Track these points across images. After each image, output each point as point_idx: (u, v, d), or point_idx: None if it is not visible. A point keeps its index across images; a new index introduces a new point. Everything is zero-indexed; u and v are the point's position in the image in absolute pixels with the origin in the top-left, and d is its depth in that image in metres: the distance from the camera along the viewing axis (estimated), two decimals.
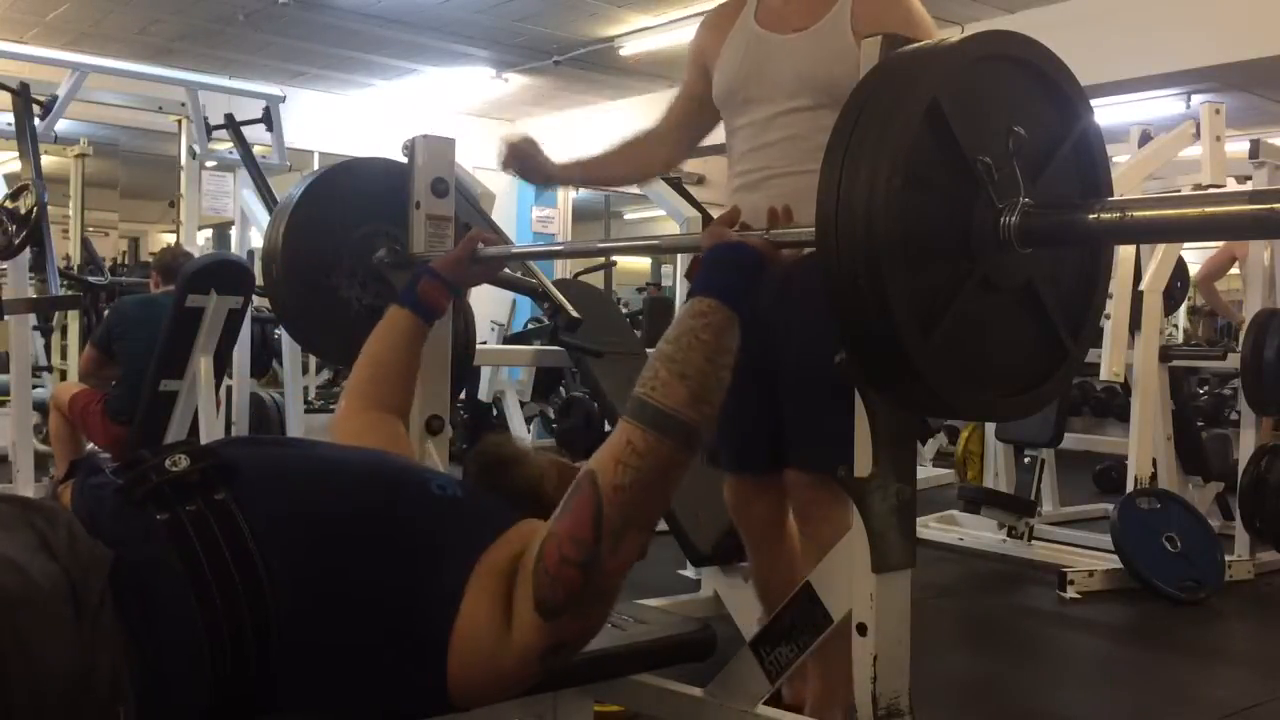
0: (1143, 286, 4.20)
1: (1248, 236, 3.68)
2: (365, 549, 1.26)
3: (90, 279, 5.89)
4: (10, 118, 4.01)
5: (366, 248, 2.28)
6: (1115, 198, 1.35)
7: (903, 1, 1.95)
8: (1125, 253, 4.19)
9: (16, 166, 3.83)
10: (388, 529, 1.28)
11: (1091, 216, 1.26)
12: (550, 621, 1.22)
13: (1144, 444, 4.15)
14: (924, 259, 1.24)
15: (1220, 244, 5.54)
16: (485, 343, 5.54)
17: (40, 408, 4.96)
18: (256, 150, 4.65)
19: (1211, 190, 4.00)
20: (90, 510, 1.23)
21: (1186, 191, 4.16)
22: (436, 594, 1.25)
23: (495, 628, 1.24)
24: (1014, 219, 1.26)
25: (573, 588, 1.20)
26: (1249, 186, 4.24)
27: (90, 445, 4.63)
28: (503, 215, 7.35)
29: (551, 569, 1.21)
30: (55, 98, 4.17)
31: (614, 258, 6.94)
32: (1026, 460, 5.35)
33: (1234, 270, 5.51)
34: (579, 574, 1.20)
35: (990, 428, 4.96)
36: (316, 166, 6.12)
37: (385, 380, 1.78)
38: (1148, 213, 1.24)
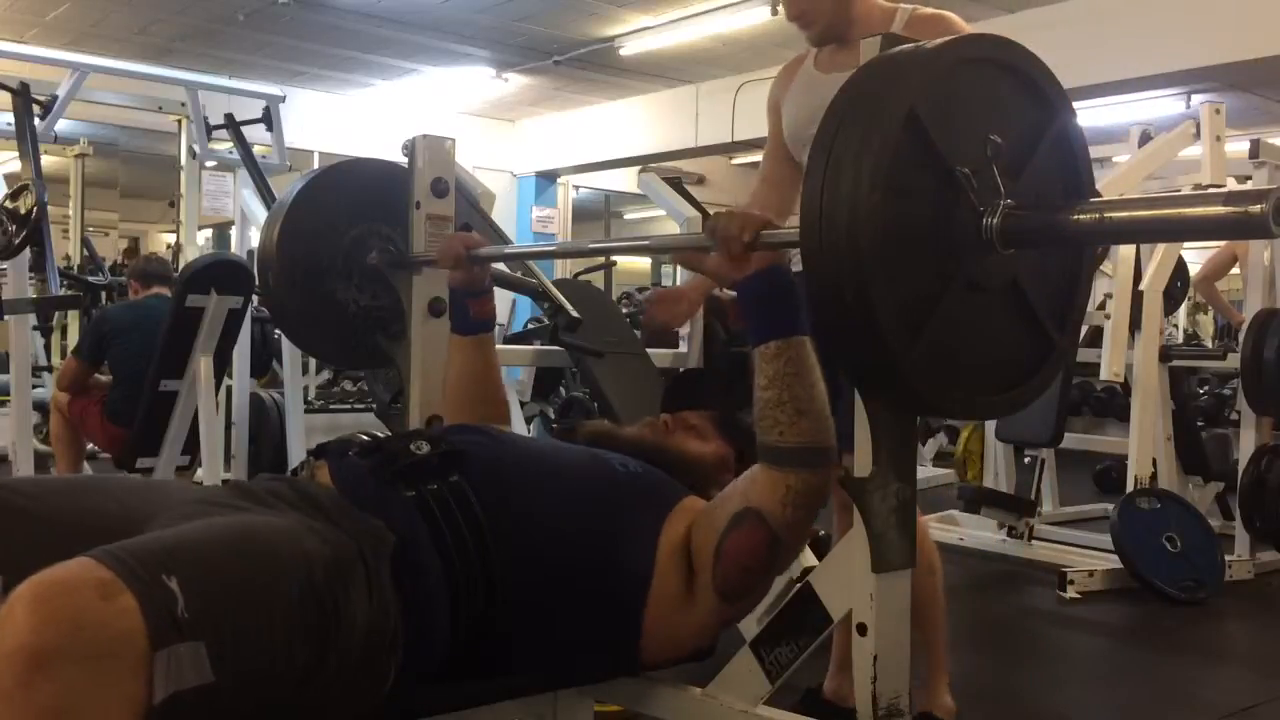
0: (1143, 286, 4.19)
1: (1225, 237, 3.67)
2: (573, 522, 1.45)
3: (90, 279, 5.89)
4: (10, 118, 4.00)
5: (361, 249, 2.28)
6: (1093, 200, 1.36)
7: (942, 24, 2.10)
8: (1125, 252, 4.19)
9: (16, 166, 3.82)
10: (590, 504, 1.48)
11: (1071, 218, 1.28)
12: (732, 604, 1.49)
13: (1144, 444, 4.15)
14: (908, 263, 1.25)
15: (1222, 243, 5.53)
16: None
17: (40, 408, 4.96)
18: (256, 150, 4.64)
19: (1210, 190, 4.00)
20: (349, 487, 1.40)
21: (1186, 191, 4.16)
22: (633, 564, 1.46)
23: (681, 600, 1.47)
24: (995, 221, 1.28)
25: (753, 583, 1.49)
26: (1249, 186, 4.24)
27: (90, 445, 4.63)
28: (503, 215, 7.37)
29: (739, 566, 1.44)
30: (55, 98, 4.16)
31: (614, 258, 6.94)
32: (1026, 460, 5.34)
33: (1234, 270, 5.51)
34: (759, 580, 1.50)
35: (990, 427, 4.94)
36: (316, 166, 6.12)
37: (477, 400, 1.92)
38: (1124, 214, 1.27)
